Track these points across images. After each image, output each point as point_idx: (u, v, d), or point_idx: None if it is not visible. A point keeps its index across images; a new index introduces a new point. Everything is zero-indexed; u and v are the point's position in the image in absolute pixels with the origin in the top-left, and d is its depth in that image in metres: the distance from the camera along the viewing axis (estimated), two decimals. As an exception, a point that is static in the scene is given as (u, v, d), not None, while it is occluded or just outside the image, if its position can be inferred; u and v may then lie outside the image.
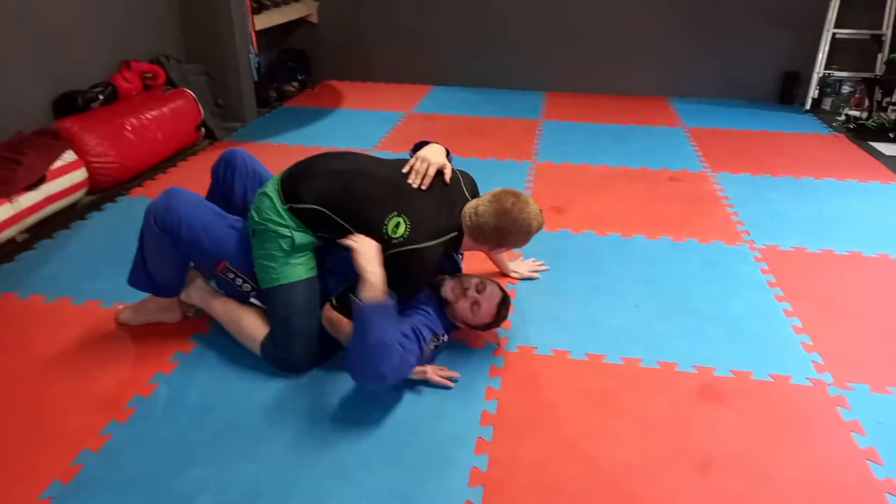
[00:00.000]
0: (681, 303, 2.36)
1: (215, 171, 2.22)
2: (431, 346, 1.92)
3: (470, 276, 2.05)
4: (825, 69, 4.72)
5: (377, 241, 1.85)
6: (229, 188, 2.19)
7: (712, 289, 2.46)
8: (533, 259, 2.60)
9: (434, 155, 1.99)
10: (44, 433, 1.73)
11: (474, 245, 1.99)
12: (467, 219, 1.93)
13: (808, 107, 4.81)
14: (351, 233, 1.88)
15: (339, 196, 1.90)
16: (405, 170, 1.97)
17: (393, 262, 1.85)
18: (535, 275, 2.52)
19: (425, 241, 1.86)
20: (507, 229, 1.89)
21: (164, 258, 2.00)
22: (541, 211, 1.95)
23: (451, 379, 1.92)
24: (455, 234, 1.94)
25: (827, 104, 4.87)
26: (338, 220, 1.89)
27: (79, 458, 1.64)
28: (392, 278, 1.86)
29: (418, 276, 1.92)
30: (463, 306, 1.96)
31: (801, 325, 2.23)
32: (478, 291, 1.96)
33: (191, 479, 1.59)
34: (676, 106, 4.96)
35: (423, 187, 1.93)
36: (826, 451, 1.71)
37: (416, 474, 1.61)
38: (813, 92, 4.78)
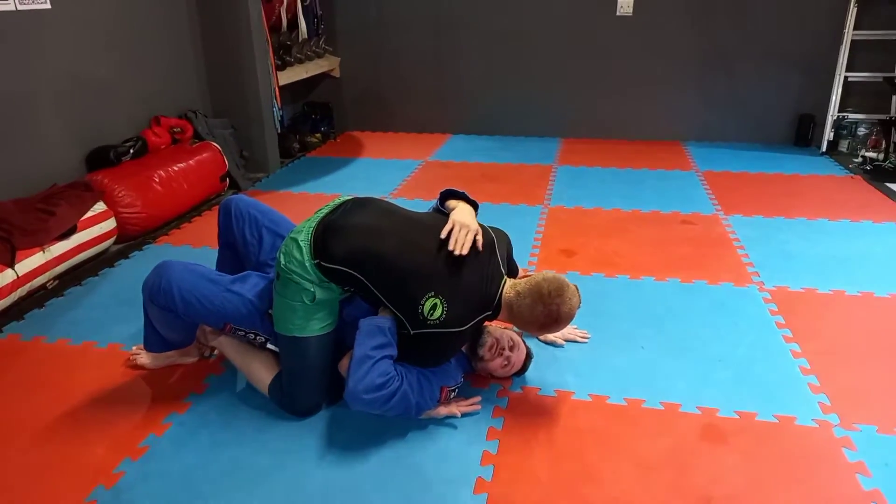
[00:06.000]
0: (687, 344, 2.38)
1: (218, 223, 2.30)
2: (453, 396, 2.01)
3: (500, 331, 2.09)
4: (839, 112, 4.75)
5: (411, 317, 1.82)
6: (232, 236, 2.26)
7: (720, 330, 2.46)
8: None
9: (470, 220, 1.94)
10: (62, 470, 1.80)
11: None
12: (506, 310, 1.90)
13: (824, 149, 4.82)
14: (382, 302, 1.87)
15: (374, 265, 1.85)
16: (443, 235, 1.89)
17: (424, 337, 1.84)
18: (560, 342, 2.37)
19: (460, 325, 1.84)
20: (553, 327, 1.90)
21: (171, 325, 2.07)
22: (577, 289, 1.90)
23: (455, 417, 1.97)
24: (489, 312, 1.91)
25: (844, 146, 4.87)
26: (370, 287, 1.85)
27: (93, 495, 1.70)
28: (419, 351, 1.87)
29: (447, 353, 1.95)
30: (495, 364, 2.07)
31: (809, 367, 2.22)
32: (510, 350, 2.05)
33: (196, 515, 1.64)
34: (691, 150, 5.01)
35: (464, 253, 1.85)
36: (829, 492, 1.69)
37: (414, 513, 1.64)
38: (828, 134, 4.79)
